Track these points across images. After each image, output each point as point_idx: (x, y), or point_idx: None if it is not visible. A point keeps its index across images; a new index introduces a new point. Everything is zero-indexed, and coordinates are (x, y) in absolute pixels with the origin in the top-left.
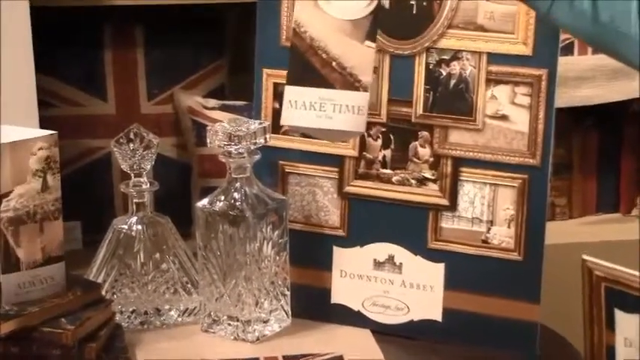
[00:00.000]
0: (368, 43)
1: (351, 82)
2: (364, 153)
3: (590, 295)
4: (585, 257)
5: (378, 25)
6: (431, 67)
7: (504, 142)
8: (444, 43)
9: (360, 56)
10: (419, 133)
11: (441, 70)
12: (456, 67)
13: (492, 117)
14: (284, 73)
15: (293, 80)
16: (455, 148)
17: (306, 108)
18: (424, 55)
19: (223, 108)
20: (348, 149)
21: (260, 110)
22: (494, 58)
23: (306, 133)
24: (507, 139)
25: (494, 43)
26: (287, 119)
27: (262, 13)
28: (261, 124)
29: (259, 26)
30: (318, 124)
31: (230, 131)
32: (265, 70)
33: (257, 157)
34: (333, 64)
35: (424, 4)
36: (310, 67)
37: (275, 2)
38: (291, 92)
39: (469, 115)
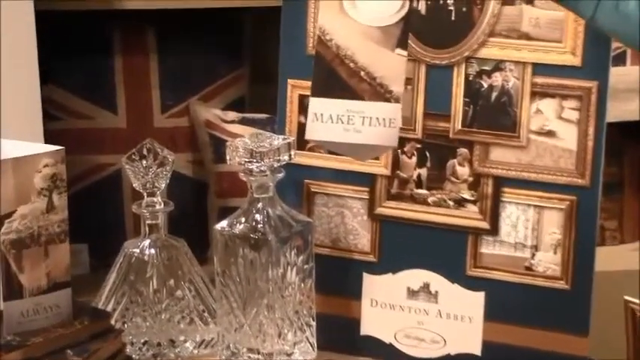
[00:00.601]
0: (399, 51)
1: (381, 93)
2: (397, 172)
3: (634, 336)
4: (628, 298)
5: (409, 31)
6: (471, 78)
7: (550, 161)
8: (484, 53)
9: (390, 65)
10: (457, 150)
11: (482, 82)
12: (498, 79)
13: (537, 133)
14: (310, 84)
15: (318, 91)
16: (496, 167)
17: (333, 121)
18: (463, 65)
19: (244, 121)
20: (380, 167)
21: (284, 124)
22: (539, 68)
23: (332, 149)
24: (554, 156)
25: (540, 52)
26: (312, 133)
27: (287, 18)
28: (285, 139)
29: (283, 32)
30: (345, 138)
31: (251, 147)
32: (290, 81)
33: (281, 175)
34: (362, 73)
35: (463, 9)
36: (336, 78)
37: (301, 5)
38: (316, 104)
39: (512, 130)
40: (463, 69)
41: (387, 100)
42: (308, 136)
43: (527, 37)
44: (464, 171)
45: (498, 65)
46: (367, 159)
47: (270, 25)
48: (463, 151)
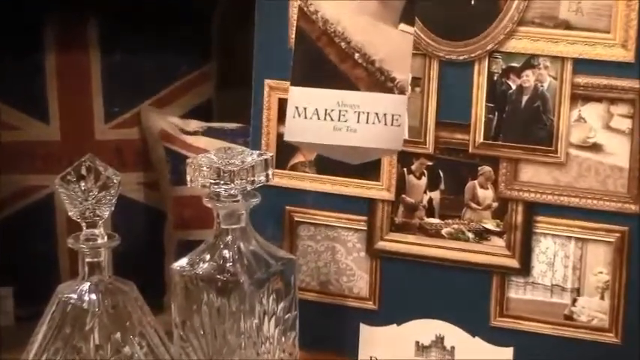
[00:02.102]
0: (403, 26)
1: (381, 82)
2: (403, 196)
3: None
4: None
5: (416, 2)
6: (495, 78)
7: (596, 182)
8: (513, 46)
9: (393, 45)
10: (479, 168)
11: (510, 83)
12: (529, 79)
13: (579, 147)
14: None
15: (300, 79)
16: (528, 190)
17: (320, 117)
18: (486, 61)
19: (209, 132)
20: (381, 190)
21: (260, 136)
22: (582, 65)
23: (319, 153)
24: (600, 176)
25: (583, 45)
26: (292, 133)
27: (264, 3)
28: (261, 155)
29: (259, 22)
30: (336, 139)
31: (219, 165)
32: (268, 82)
33: (256, 201)
34: (356, 56)
35: None
36: (324, 61)
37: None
38: (297, 96)
39: (548, 143)
40: (486, 66)
41: (389, 91)
42: (288, 136)
43: (567, 26)
44: (487, 195)
45: (530, 61)
46: (362, 161)
47: (243, 12)
48: (486, 169)
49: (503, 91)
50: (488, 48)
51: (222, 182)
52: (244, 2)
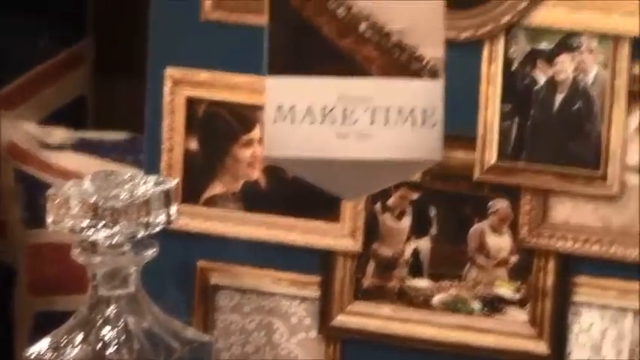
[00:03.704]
0: None
1: (403, 63)
2: (375, 245)
3: None
4: None
5: None
6: (515, 66)
7: None
8: (540, 18)
9: (416, 9)
10: (489, 204)
11: (536, 74)
12: (566, 68)
13: None
14: (213, 76)
15: (281, 66)
16: (564, 236)
17: (315, 120)
18: (501, 41)
19: (82, 147)
20: (342, 237)
21: (159, 154)
22: None
23: (314, 180)
24: None
25: None
26: (275, 146)
27: None
28: (160, 184)
29: None
30: (341, 150)
31: (95, 199)
32: (170, 72)
33: (151, 252)
34: (363, 27)
35: None
36: (315, 38)
37: None
38: (279, 91)
39: (593, 165)
40: (501, 49)
41: (416, 75)
42: (269, 150)
43: None
44: (502, 244)
45: (567, 42)
46: (382, 187)
47: None
48: (500, 205)
49: (527, 86)
50: (504, 20)
51: (100, 225)
52: None
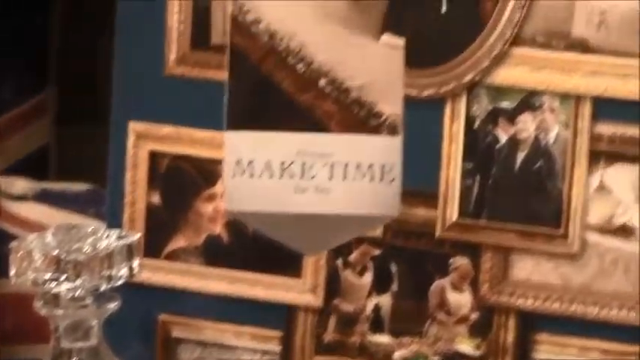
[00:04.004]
0: (389, 38)
1: (361, 118)
2: (337, 301)
3: None
4: None
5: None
6: (477, 124)
7: (626, 282)
8: (504, 76)
9: (375, 66)
10: (451, 261)
11: (498, 133)
12: (528, 127)
13: (601, 230)
14: (176, 131)
15: (240, 120)
16: (524, 294)
17: (274, 174)
18: (463, 99)
19: (44, 198)
20: (303, 293)
21: (121, 208)
22: (607, 108)
23: (272, 234)
24: (631, 274)
25: (609, 77)
26: (234, 199)
27: (127, 3)
28: (122, 237)
29: (121, 32)
30: (299, 205)
31: (57, 252)
32: (133, 126)
33: (114, 306)
34: (322, 83)
35: None
36: (274, 93)
37: None
38: (238, 145)
39: (554, 224)
40: (463, 107)
41: (375, 131)
42: (228, 204)
43: (584, 47)
44: (462, 301)
45: (529, 100)
46: (338, 242)
47: (98, 13)
48: (461, 262)
49: (489, 144)
50: (466, 79)
51: (63, 277)
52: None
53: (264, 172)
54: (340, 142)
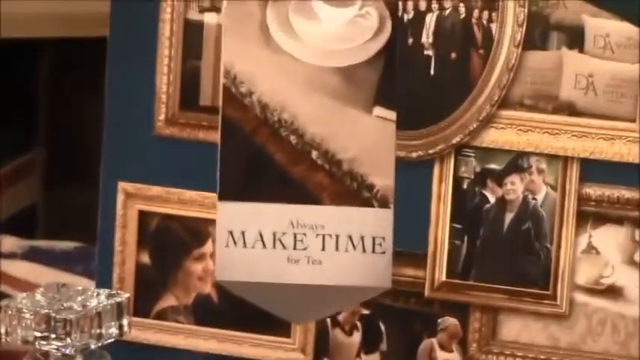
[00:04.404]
0: (380, 110)
1: (353, 190)
2: None
3: None
4: None
5: (396, 73)
6: (465, 186)
7: (613, 343)
8: (492, 139)
9: (367, 138)
10: (439, 320)
11: (487, 194)
12: (516, 188)
13: (590, 290)
14: (165, 191)
15: (232, 192)
16: (513, 354)
17: (266, 245)
18: (451, 161)
19: (32, 256)
20: (292, 351)
21: (111, 267)
22: (595, 170)
23: (265, 305)
24: (619, 335)
25: (596, 139)
26: (226, 270)
27: (117, 63)
28: (112, 296)
29: (111, 92)
30: (291, 276)
31: (47, 311)
32: (123, 186)
33: None
34: (314, 155)
35: (453, 55)
36: (266, 164)
37: (150, 28)
38: (231, 216)
39: (542, 285)
40: (451, 168)
41: (366, 203)
42: (219, 274)
43: (572, 110)
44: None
45: (517, 162)
46: (329, 313)
47: (89, 72)
48: (450, 322)
49: (477, 205)
50: (454, 141)
51: (53, 336)
52: (87, 62)
53: (256, 242)
54: (332, 213)
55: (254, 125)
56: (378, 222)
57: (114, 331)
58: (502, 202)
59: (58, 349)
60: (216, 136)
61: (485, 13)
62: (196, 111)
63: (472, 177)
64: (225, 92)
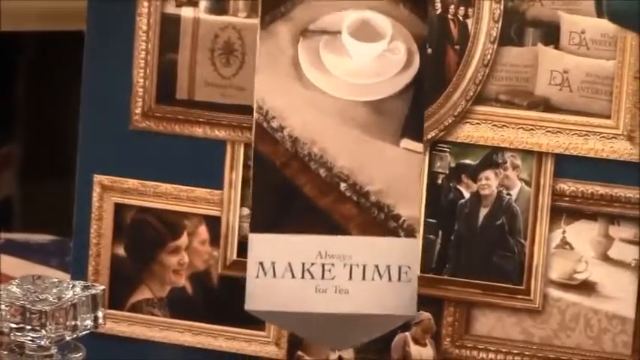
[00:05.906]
0: (408, 143)
1: (380, 221)
2: (300, 354)
3: None
4: None
5: (424, 107)
6: (440, 181)
7: (586, 338)
8: (467, 134)
9: (394, 170)
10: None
11: (461, 189)
12: (490, 183)
13: (563, 285)
14: (141, 184)
15: (263, 223)
16: (486, 348)
17: (295, 275)
18: (426, 155)
19: (8, 248)
20: (267, 344)
21: (86, 259)
22: (569, 165)
23: (294, 329)
24: (593, 330)
25: (570, 135)
26: (256, 300)
27: (94, 56)
28: (87, 288)
29: (87, 86)
30: (319, 305)
31: (22, 302)
32: (98, 179)
33: (78, 356)
34: (343, 187)
35: (429, 51)
36: (296, 196)
37: (127, 19)
38: (261, 247)
39: (516, 281)
40: (425, 164)
41: (393, 233)
42: (250, 304)
43: (547, 106)
44: (424, 354)
45: (492, 157)
46: (357, 342)
47: (65, 67)
48: (424, 316)
49: (452, 200)
50: (429, 136)
51: (28, 328)
52: (64, 53)
53: (285, 272)
54: (359, 244)
55: (285, 159)
56: (404, 252)
57: (89, 323)
58: (477, 198)
59: (33, 341)
60: (191, 130)
61: (462, 9)
62: (173, 104)
63: (447, 172)
64: (257, 127)
